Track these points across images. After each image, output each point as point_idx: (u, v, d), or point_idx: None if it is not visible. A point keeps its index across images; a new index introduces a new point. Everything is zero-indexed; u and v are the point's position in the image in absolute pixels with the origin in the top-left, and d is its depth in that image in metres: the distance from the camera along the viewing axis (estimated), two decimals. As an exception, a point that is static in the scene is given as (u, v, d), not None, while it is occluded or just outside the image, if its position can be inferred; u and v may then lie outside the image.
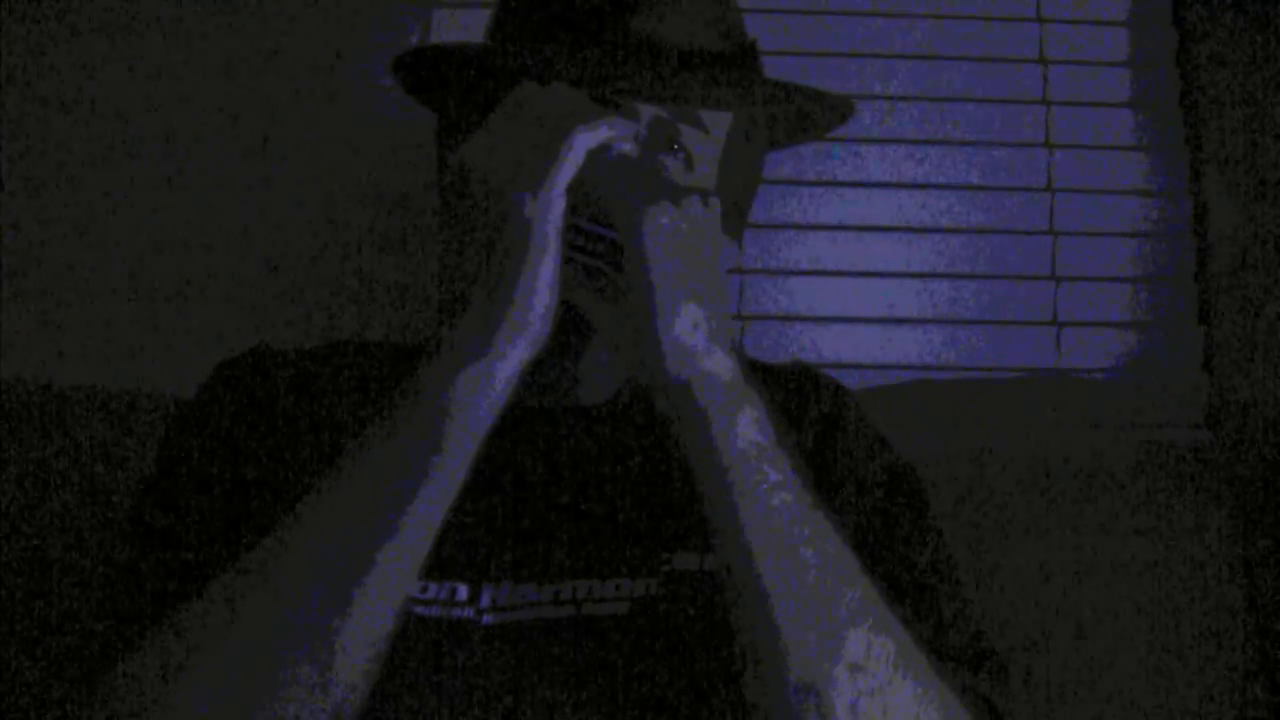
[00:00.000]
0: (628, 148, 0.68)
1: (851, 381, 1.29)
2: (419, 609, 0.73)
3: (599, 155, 0.66)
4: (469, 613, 0.74)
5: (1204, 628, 1.17)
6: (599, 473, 0.81)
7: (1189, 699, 1.15)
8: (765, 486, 0.67)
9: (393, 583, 0.65)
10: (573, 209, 0.66)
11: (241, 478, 0.76)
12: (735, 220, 0.88)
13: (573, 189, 0.65)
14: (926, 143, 1.35)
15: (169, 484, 0.77)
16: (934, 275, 1.34)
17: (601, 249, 0.68)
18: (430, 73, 0.88)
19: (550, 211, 0.64)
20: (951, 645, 0.77)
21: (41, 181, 1.26)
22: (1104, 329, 1.34)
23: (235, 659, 0.63)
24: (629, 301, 0.66)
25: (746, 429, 0.67)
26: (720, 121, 0.82)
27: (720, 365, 0.67)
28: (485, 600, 0.74)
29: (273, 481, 0.73)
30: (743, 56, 0.84)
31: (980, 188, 1.35)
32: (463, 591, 0.75)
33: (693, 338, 0.65)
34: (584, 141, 0.65)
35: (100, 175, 1.26)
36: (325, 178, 1.28)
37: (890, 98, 1.35)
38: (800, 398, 0.87)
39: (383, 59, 1.26)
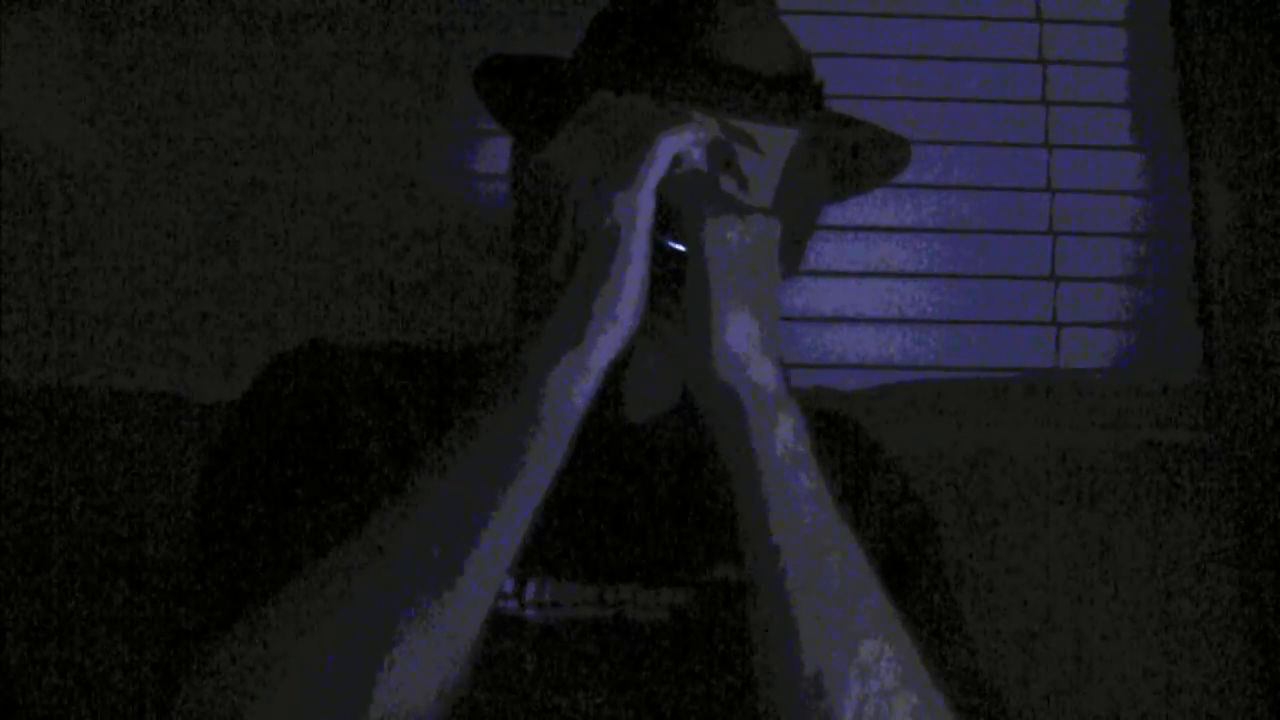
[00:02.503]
0: (698, 160, 0.71)
1: (852, 382, 1.32)
2: None
3: (673, 166, 0.69)
4: (512, 605, 0.76)
5: (1204, 628, 1.17)
6: (646, 485, 0.84)
7: (1189, 699, 1.15)
8: (798, 493, 0.70)
9: (501, 554, 0.68)
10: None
11: (306, 472, 0.77)
12: (791, 250, 0.88)
13: (663, 190, 0.68)
14: (927, 143, 1.35)
15: (232, 478, 0.78)
16: (934, 275, 1.34)
17: (668, 263, 0.70)
18: (510, 85, 0.91)
19: (642, 210, 0.67)
20: (959, 681, 0.78)
21: (43, 182, 1.25)
22: (1103, 329, 1.34)
23: (352, 630, 0.65)
24: (687, 307, 0.69)
25: (785, 437, 0.70)
26: (779, 145, 0.84)
27: (767, 375, 0.70)
28: (529, 595, 0.77)
29: (336, 477, 0.75)
30: (805, 82, 0.86)
31: (980, 188, 1.35)
32: (508, 585, 0.77)
33: (743, 346, 0.69)
34: (670, 145, 0.68)
35: (101, 175, 1.26)
36: (333, 177, 1.28)
37: (891, 98, 1.35)
38: (835, 443, 0.87)
39: (393, 58, 1.28)
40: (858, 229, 1.34)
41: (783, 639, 0.68)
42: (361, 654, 0.64)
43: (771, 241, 0.71)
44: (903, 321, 1.33)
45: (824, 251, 1.34)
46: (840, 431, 0.91)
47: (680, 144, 0.68)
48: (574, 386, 0.67)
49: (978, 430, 1.30)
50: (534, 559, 0.77)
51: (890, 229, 1.35)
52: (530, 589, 0.77)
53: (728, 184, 0.80)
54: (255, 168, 1.28)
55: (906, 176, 1.33)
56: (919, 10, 1.37)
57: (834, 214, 1.34)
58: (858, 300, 1.33)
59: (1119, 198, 1.36)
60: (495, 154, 1.28)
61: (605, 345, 0.68)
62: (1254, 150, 1.32)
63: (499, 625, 0.74)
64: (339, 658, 0.64)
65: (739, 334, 0.69)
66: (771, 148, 0.83)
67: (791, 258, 0.89)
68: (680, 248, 0.70)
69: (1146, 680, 1.15)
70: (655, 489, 0.83)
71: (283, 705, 0.64)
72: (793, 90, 0.84)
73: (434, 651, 0.65)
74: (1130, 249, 1.35)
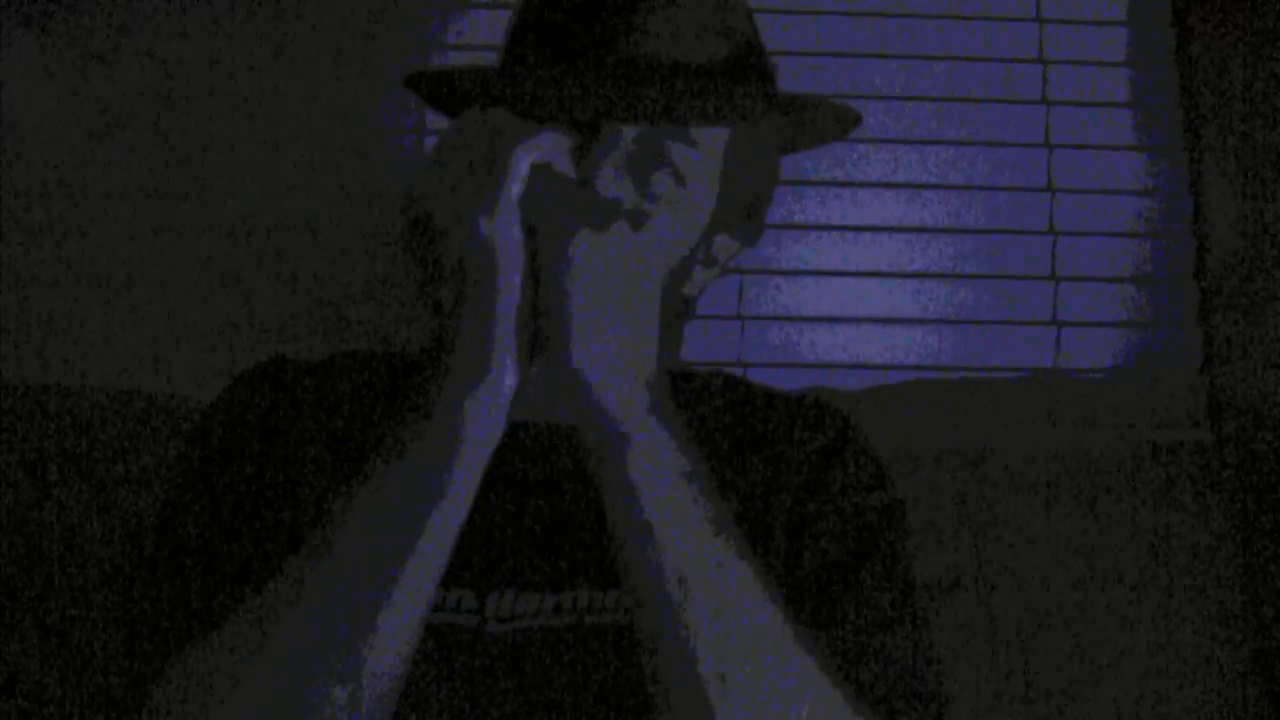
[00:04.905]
0: (564, 168, 0.67)
1: (852, 382, 1.32)
2: None
3: (541, 175, 0.66)
4: (474, 621, 0.76)
5: (1204, 628, 1.17)
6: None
7: (1189, 699, 1.15)
8: (659, 519, 0.67)
9: (414, 601, 0.67)
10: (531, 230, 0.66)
11: (261, 491, 0.77)
12: (746, 224, 0.86)
13: (525, 205, 0.65)
14: (926, 143, 1.35)
15: (188, 501, 0.78)
16: (934, 275, 1.34)
17: None
18: (436, 93, 0.88)
19: (508, 229, 0.64)
20: (892, 680, 0.76)
21: (42, 182, 1.26)
22: (1104, 329, 1.34)
23: (267, 683, 0.65)
24: (543, 333, 0.66)
25: (639, 464, 0.67)
26: (716, 132, 0.79)
27: (624, 400, 0.66)
28: (490, 609, 0.76)
29: (293, 493, 0.75)
30: (743, 64, 0.81)
31: (980, 188, 1.35)
32: (468, 600, 0.76)
33: (597, 371, 0.65)
34: (524, 156, 0.65)
35: (101, 175, 1.26)
36: (329, 177, 1.28)
37: (890, 98, 1.35)
38: (806, 427, 0.87)
39: (393, 58, 1.28)
40: (858, 229, 1.34)
41: (664, 653, 0.67)
42: (273, 714, 0.65)
43: (644, 248, 0.67)
44: (903, 321, 1.34)
45: (824, 251, 1.34)
46: (811, 420, 0.87)
47: (538, 155, 0.65)
48: (484, 422, 0.66)
49: (978, 430, 1.30)
50: (494, 573, 0.77)
51: (890, 229, 1.35)
52: (490, 603, 0.76)
53: (663, 177, 0.76)
54: (257, 170, 1.28)
55: (907, 176, 1.35)
56: (919, 10, 1.37)
57: (835, 213, 1.34)
58: (858, 300, 1.34)
59: (1119, 198, 1.36)
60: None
61: (509, 373, 0.66)
62: (1254, 150, 1.32)
63: (462, 641, 0.74)
64: (262, 695, 0.65)
65: (592, 358, 0.65)
66: (710, 136, 0.78)
67: (749, 229, 0.86)
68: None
69: (1147, 679, 1.15)
70: None
71: None
72: (727, 82, 0.78)
73: (356, 686, 0.65)
74: (1131, 249, 1.36)
